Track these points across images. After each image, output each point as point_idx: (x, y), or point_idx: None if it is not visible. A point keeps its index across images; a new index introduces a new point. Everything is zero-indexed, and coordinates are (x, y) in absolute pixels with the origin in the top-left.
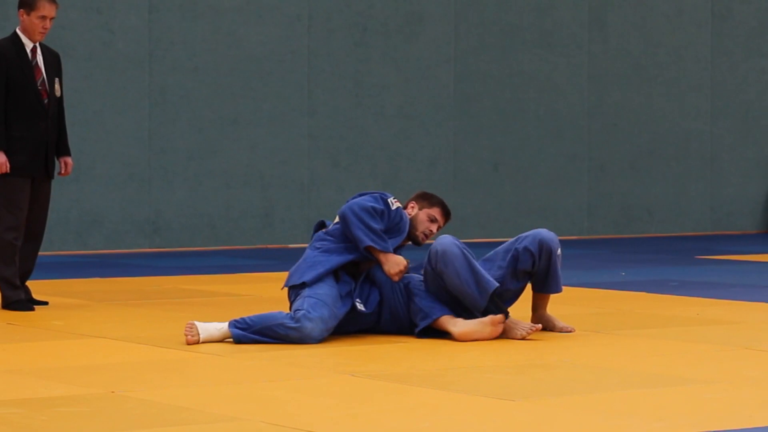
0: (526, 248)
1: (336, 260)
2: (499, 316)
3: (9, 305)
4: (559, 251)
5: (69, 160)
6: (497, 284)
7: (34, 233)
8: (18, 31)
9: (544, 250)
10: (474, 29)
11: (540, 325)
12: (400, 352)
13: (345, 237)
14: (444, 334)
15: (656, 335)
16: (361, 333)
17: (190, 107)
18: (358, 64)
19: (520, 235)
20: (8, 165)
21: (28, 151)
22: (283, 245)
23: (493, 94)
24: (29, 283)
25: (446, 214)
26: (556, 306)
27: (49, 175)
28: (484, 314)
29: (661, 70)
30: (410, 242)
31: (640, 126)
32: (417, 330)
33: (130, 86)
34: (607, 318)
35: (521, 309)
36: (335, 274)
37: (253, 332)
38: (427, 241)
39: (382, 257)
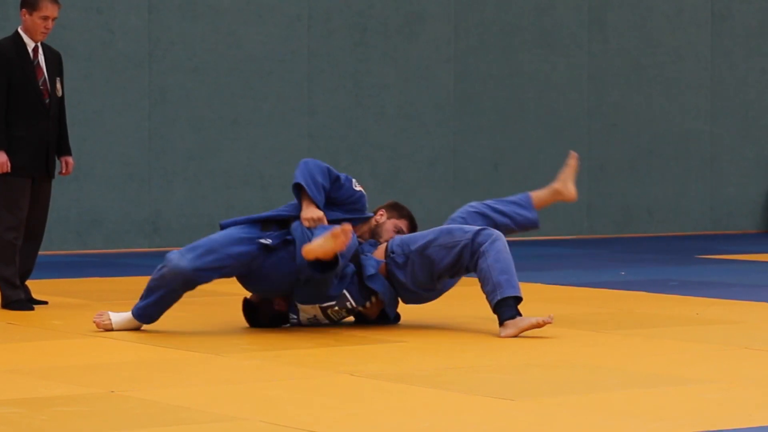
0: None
1: (263, 215)
2: (342, 226)
3: (9, 305)
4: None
5: (70, 159)
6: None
7: (34, 233)
8: (20, 30)
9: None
10: (474, 29)
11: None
12: (399, 352)
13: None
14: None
15: (656, 335)
16: (359, 331)
17: (190, 107)
18: (358, 64)
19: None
20: (9, 165)
21: (28, 150)
22: None
23: (492, 93)
24: (29, 283)
25: (413, 227)
26: (557, 305)
27: (49, 174)
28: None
29: (660, 70)
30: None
31: (639, 126)
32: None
33: (130, 86)
34: (607, 318)
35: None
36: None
37: (142, 297)
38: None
39: (305, 202)
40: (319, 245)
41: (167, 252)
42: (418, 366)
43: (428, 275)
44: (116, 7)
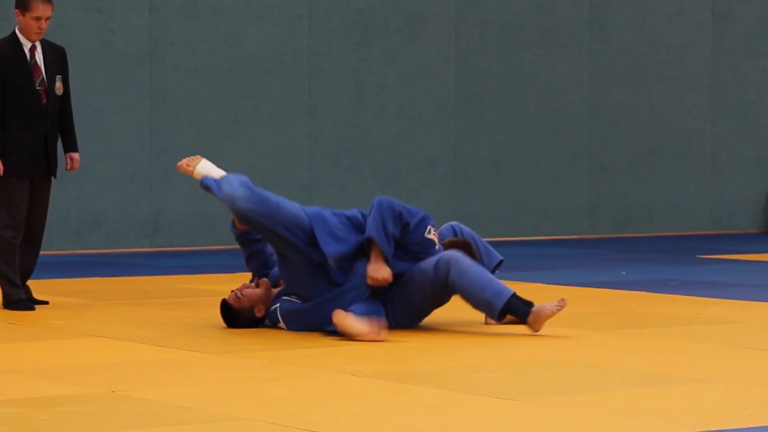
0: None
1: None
2: (383, 321)
3: (9, 304)
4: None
5: (76, 155)
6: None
7: (34, 233)
8: (16, 30)
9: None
10: (474, 29)
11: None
12: (400, 352)
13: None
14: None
15: (657, 334)
16: None
17: (191, 107)
18: (359, 63)
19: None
20: (2, 168)
21: (25, 152)
22: None
23: (493, 93)
24: (30, 283)
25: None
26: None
27: (49, 174)
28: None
29: (661, 70)
30: None
31: (640, 125)
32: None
33: (131, 86)
34: (608, 317)
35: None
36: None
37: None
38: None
39: (375, 256)
40: (352, 326)
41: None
42: (418, 366)
43: (415, 316)
44: (117, 6)
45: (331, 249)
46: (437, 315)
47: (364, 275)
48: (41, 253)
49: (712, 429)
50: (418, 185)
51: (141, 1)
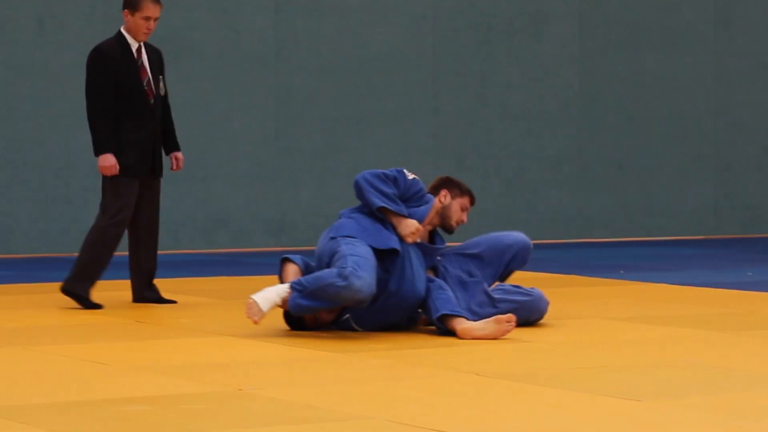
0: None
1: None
2: (506, 315)
3: (76, 296)
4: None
5: (179, 155)
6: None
7: (150, 232)
8: (122, 30)
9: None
10: (599, 28)
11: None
12: (524, 352)
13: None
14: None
15: None
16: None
17: (316, 107)
18: (483, 63)
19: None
20: (117, 167)
21: (135, 151)
22: None
23: (617, 93)
24: (157, 282)
25: (473, 202)
26: (683, 305)
27: (156, 174)
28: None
29: None
30: (442, 229)
31: (766, 124)
32: (435, 318)
33: (257, 86)
34: (733, 318)
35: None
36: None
37: (306, 295)
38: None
39: (395, 220)
40: (480, 329)
41: (342, 268)
42: (542, 366)
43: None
44: (242, 7)
45: (383, 243)
46: (559, 313)
47: (407, 265)
48: (169, 252)
49: None
50: (542, 185)
51: (267, 1)
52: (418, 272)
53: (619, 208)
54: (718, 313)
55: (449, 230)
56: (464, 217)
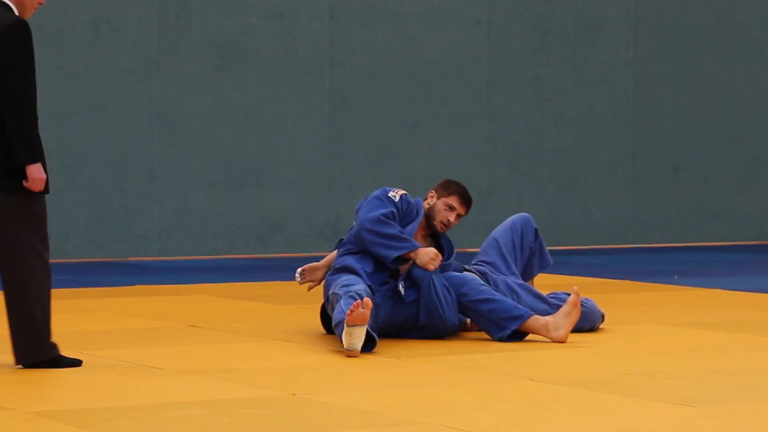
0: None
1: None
2: (573, 297)
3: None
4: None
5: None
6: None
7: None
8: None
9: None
10: (653, 33)
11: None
12: (578, 357)
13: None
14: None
15: None
16: (537, 336)
17: (370, 112)
18: (538, 68)
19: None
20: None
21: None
22: (462, 249)
23: (672, 98)
24: (213, 286)
25: (465, 201)
26: (738, 311)
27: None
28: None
29: None
30: (430, 230)
31: None
32: (506, 334)
33: (311, 91)
34: None
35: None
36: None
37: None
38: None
39: (412, 255)
40: (572, 324)
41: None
42: (597, 371)
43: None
44: (298, 12)
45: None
46: (613, 319)
47: (424, 276)
48: (223, 257)
49: None
50: (597, 190)
51: (322, 6)
52: (445, 299)
53: (674, 214)
54: None
55: (435, 231)
56: (450, 217)
